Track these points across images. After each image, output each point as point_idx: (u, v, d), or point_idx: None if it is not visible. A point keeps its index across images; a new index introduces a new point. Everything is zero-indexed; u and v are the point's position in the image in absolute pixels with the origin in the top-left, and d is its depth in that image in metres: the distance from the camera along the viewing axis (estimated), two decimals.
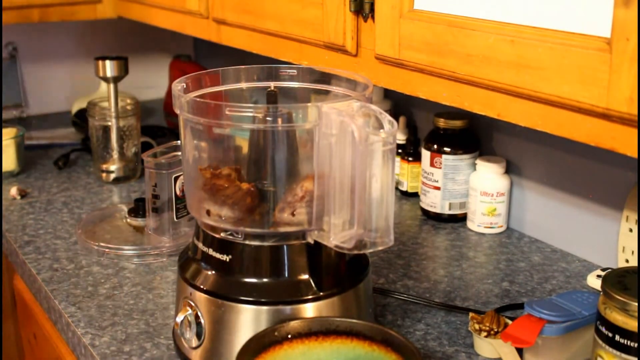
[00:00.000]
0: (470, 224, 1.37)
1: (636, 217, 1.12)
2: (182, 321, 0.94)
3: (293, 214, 0.89)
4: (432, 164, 1.39)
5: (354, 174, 0.81)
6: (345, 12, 1.04)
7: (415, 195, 1.50)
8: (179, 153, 1.24)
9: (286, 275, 0.90)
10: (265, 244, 0.90)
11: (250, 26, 1.26)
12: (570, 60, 0.74)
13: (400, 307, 1.11)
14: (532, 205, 1.33)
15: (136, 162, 1.64)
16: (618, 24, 0.68)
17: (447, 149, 1.37)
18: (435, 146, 1.38)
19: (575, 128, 0.76)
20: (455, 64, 0.88)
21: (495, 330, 0.97)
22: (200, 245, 0.95)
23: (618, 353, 0.81)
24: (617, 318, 0.81)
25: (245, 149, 0.92)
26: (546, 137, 1.20)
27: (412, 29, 0.93)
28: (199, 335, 0.93)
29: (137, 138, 1.64)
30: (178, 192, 1.25)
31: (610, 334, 0.82)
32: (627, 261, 1.15)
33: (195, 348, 0.94)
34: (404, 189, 1.50)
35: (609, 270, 0.91)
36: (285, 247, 0.90)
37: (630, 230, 1.14)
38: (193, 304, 0.93)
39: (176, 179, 1.24)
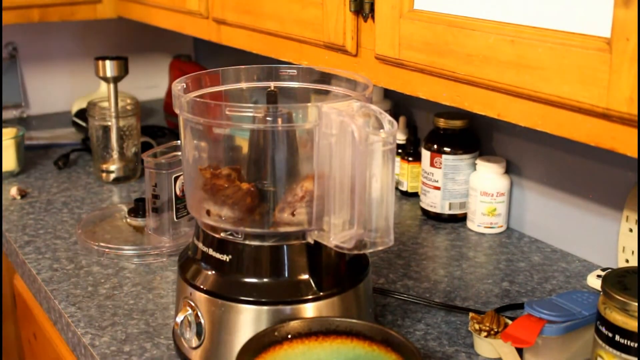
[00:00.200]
0: (470, 224, 1.37)
1: (636, 217, 1.12)
2: (182, 321, 0.94)
3: (293, 214, 0.89)
4: (432, 164, 1.39)
5: (354, 174, 0.81)
6: (345, 12, 1.04)
7: (415, 195, 1.50)
8: (179, 153, 1.24)
9: (286, 275, 0.90)
10: (265, 244, 0.90)
11: (250, 26, 1.26)
12: (570, 60, 0.74)
13: (400, 307, 1.11)
14: (532, 205, 1.33)
15: (136, 162, 1.64)
16: (618, 24, 0.68)
17: (447, 149, 1.37)
18: (435, 146, 1.38)
19: (575, 128, 0.76)
20: (455, 64, 0.88)
21: (495, 330, 0.97)
22: (200, 245, 0.95)
23: (618, 353, 0.81)
24: (617, 318, 0.81)
25: (245, 149, 0.92)
26: (546, 137, 1.20)
27: (412, 29, 0.93)
28: (199, 335, 0.93)
29: (137, 138, 1.64)
30: (178, 192, 1.25)
31: (610, 334, 0.82)
32: (627, 261, 1.15)
33: (195, 348, 0.94)
34: (404, 189, 1.50)
35: (609, 270, 0.91)
36: (285, 247, 0.90)
37: (630, 230, 1.14)
38: (193, 304, 0.93)
39: (176, 179, 1.24)
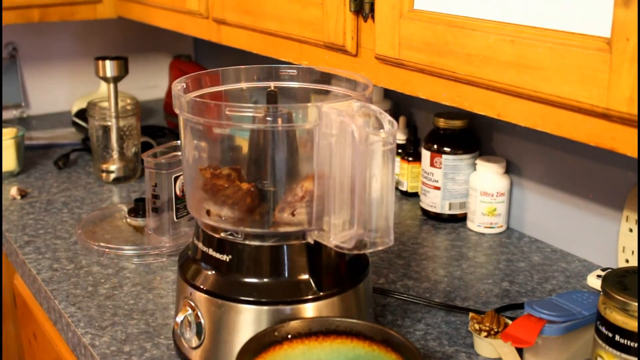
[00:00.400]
0: (470, 224, 1.37)
1: (636, 217, 1.12)
2: (182, 321, 0.94)
3: (293, 214, 0.89)
4: (432, 164, 1.39)
5: (354, 174, 0.81)
6: (345, 12, 1.04)
7: (415, 195, 1.50)
8: (179, 153, 1.24)
9: (286, 275, 0.90)
10: (265, 244, 0.90)
11: (250, 26, 1.26)
12: (570, 60, 0.74)
13: (400, 307, 1.11)
14: (532, 205, 1.33)
15: (136, 162, 1.64)
16: (618, 24, 0.68)
17: (447, 149, 1.37)
18: (435, 146, 1.38)
19: (575, 128, 0.76)
20: (455, 64, 0.88)
21: (495, 330, 0.97)
22: (200, 245, 0.95)
23: (618, 353, 0.81)
24: (617, 318, 0.81)
25: (245, 149, 0.92)
26: (546, 137, 1.20)
27: (412, 29, 0.93)
28: (199, 335, 0.93)
29: (137, 138, 1.64)
30: (178, 192, 1.25)
31: (610, 334, 0.82)
32: (627, 261, 1.15)
33: (195, 348, 0.94)
34: (404, 189, 1.50)
35: (609, 270, 0.91)
36: (285, 247, 0.90)
37: (630, 230, 1.14)
38: (193, 304, 0.93)
39: (176, 179, 1.24)
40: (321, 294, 0.90)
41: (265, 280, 0.90)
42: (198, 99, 0.92)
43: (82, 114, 1.89)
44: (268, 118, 0.87)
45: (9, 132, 1.67)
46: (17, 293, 1.47)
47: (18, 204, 1.51)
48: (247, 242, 0.90)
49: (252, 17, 1.25)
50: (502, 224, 1.35)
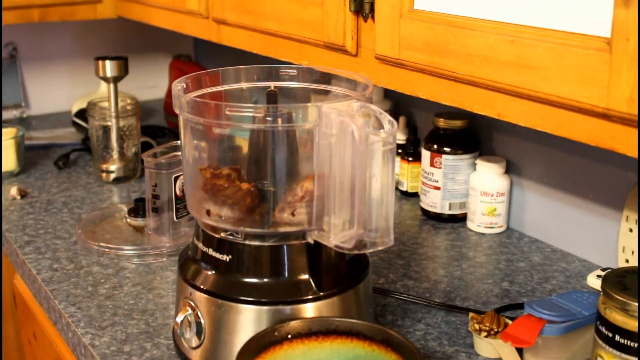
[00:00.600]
0: (470, 224, 1.37)
1: (636, 217, 1.12)
2: (182, 321, 0.94)
3: (293, 214, 0.89)
4: (432, 164, 1.39)
5: (354, 174, 0.81)
6: (345, 12, 1.04)
7: (415, 195, 1.50)
8: (179, 153, 1.24)
9: (286, 275, 0.90)
10: (265, 244, 0.90)
11: (250, 26, 1.26)
12: (570, 60, 0.74)
13: (400, 307, 1.11)
14: (532, 205, 1.33)
15: (136, 162, 1.64)
16: (618, 24, 0.68)
17: (447, 149, 1.37)
18: (435, 146, 1.38)
19: (575, 128, 0.76)
20: (455, 64, 0.88)
21: (495, 330, 0.97)
22: (200, 245, 0.95)
23: (618, 353, 0.81)
24: (617, 318, 0.81)
25: (245, 149, 0.92)
26: (546, 137, 1.20)
27: (412, 29, 0.93)
28: (199, 335, 0.93)
29: (137, 138, 1.64)
30: (178, 192, 1.25)
31: (610, 334, 0.82)
32: (627, 261, 1.15)
33: (195, 348, 0.94)
34: (404, 189, 1.50)
35: (609, 270, 0.91)
36: (285, 247, 0.90)
37: (630, 230, 1.14)
38: (193, 304, 0.93)
39: (176, 179, 1.24)
40: (321, 294, 0.90)
41: (265, 280, 0.90)
42: (198, 99, 0.92)
43: (82, 114, 1.89)
44: (268, 118, 0.87)
45: (9, 132, 1.68)
46: (17, 293, 1.47)
47: (18, 204, 1.51)
48: (247, 242, 0.90)
49: (252, 17, 1.25)
50: (502, 224, 1.35)
